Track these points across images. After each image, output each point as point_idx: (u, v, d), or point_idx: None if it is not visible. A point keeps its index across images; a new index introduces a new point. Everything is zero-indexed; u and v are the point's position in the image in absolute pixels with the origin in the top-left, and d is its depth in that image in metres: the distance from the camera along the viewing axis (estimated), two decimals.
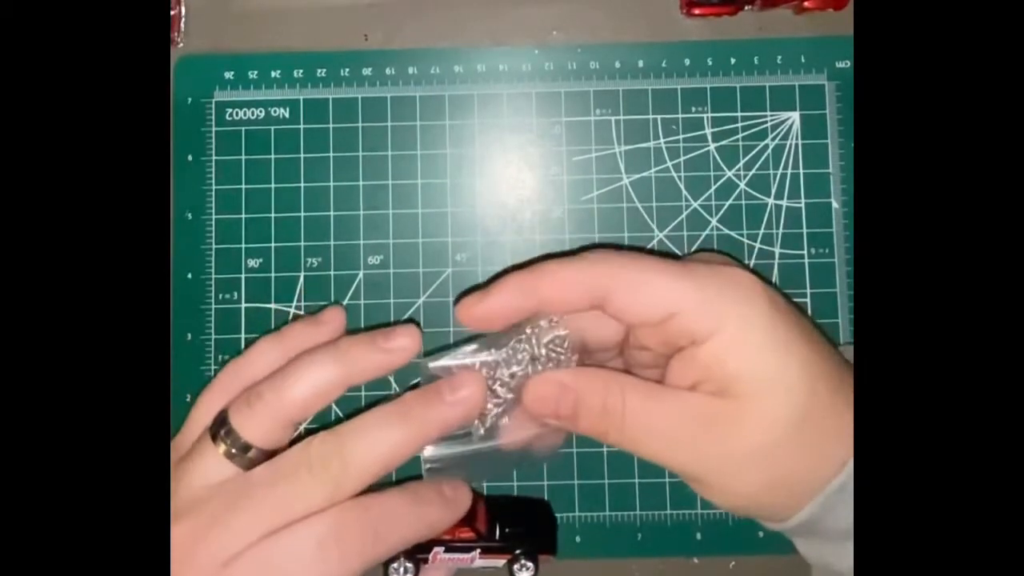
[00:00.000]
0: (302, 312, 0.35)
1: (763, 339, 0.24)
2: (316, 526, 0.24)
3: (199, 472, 0.25)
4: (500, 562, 0.29)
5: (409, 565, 0.27)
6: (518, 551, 0.29)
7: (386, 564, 0.27)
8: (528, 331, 0.26)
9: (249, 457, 0.25)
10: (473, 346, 0.26)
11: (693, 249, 0.36)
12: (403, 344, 0.26)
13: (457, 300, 0.26)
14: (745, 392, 0.24)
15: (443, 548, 0.28)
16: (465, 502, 0.26)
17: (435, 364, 0.25)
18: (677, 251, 0.36)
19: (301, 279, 0.36)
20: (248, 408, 0.26)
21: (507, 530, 0.29)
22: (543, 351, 0.26)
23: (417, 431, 0.25)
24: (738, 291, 0.25)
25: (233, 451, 0.25)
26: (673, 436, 0.25)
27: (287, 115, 0.36)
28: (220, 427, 0.25)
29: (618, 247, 0.27)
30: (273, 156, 0.36)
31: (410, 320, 0.34)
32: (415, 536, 0.25)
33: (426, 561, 0.28)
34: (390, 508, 0.25)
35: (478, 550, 0.28)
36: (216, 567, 0.23)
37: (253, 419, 0.25)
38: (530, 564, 0.29)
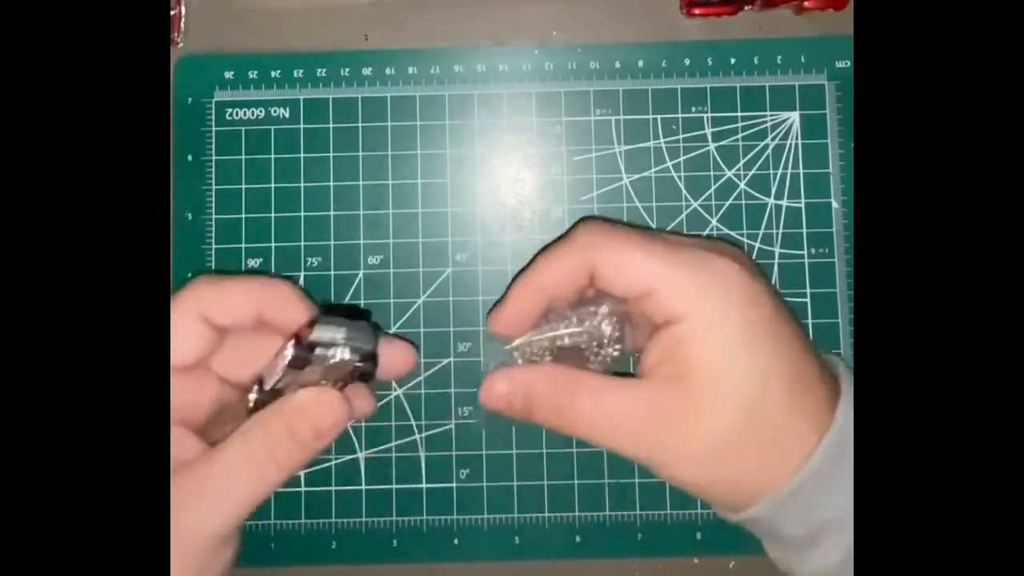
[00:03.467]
0: None
1: (726, 335, 0.25)
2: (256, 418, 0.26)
3: None
4: None
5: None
6: None
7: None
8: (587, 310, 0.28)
9: None
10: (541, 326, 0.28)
11: None
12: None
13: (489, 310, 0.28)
14: (697, 383, 0.25)
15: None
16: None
17: (513, 345, 0.28)
18: None
19: (301, 279, 0.36)
20: None
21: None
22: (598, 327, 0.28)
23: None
24: (717, 282, 0.25)
25: None
26: (624, 427, 0.26)
27: (287, 115, 0.36)
28: None
29: (612, 221, 0.28)
30: (273, 156, 0.36)
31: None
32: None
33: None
34: (316, 410, 0.26)
35: None
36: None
37: None
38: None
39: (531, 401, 0.27)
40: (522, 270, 0.28)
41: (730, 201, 0.36)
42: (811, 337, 0.35)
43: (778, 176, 0.36)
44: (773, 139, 0.36)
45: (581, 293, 0.28)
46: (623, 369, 0.28)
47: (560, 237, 0.28)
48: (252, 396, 0.27)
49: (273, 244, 0.36)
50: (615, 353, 0.28)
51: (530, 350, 0.28)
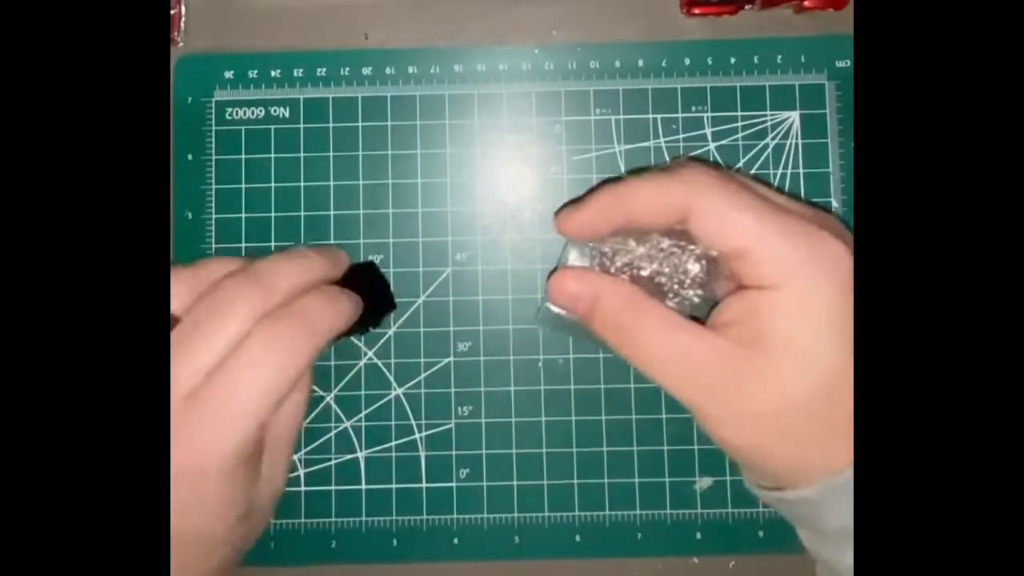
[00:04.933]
0: None
1: (817, 311, 0.24)
2: (258, 334, 0.26)
3: None
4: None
5: None
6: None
7: None
8: (674, 246, 0.27)
9: None
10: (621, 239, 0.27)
11: None
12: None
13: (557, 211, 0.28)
14: (776, 350, 0.24)
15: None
16: (357, 299, 0.30)
17: (594, 245, 0.27)
18: None
19: None
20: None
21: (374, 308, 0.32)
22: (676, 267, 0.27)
23: (319, 272, 0.29)
24: (818, 258, 0.24)
25: None
26: (686, 367, 0.25)
27: (287, 114, 0.36)
28: None
29: (720, 167, 0.28)
30: (273, 155, 0.36)
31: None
32: (339, 327, 0.28)
33: None
34: (315, 307, 0.27)
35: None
36: (180, 401, 0.25)
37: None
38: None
39: (597, 309, 0.26)
40: (609, 180, 0.28)
41: None
42: None
43: (778, 176, 0.36)
44: (773, 139, 0.36)
45: (668, 228, 0.27)
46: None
47: (660, 167, 0.27)
48: None
49: (273, 244, 0.36)
50: (695, 298, 0.27)
51: (609, 261, 0.27)
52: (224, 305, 0.27)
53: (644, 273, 0.27)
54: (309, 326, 0.27)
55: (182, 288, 0.28)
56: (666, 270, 0.27)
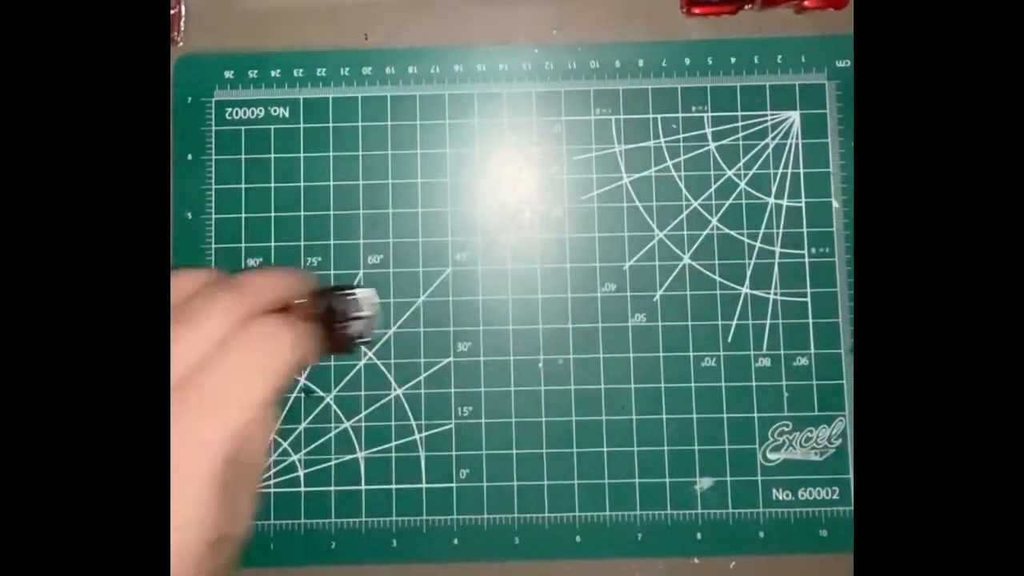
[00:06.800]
0: None
1: None
2: (246, 331, 0.25)
3: None
4: None
5: None
6: None
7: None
8: None
9: None
10: None
11: (692, 249, 0.36)
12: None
13: None
14: None
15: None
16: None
17: None
18: (678, 251, 0.36)
19: None
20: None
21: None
22: None
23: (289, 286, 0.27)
24: None
25: None
26: None
27: (287, 114, 0.36)
28: None
29: None
30: (273, 155, 0.36)
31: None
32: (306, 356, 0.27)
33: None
34: (286, 323, 0.26)
35: None
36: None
37: None
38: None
39: None
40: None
41: (730, 201, 0.36)
42: (811, 337, 0.35)
43: (778, 175, 0.36)
44: (773, 138, 0.36)
45: None
46: None
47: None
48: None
49: (273, 244, 0.36)
50: None
51: None
52: (203, 306, 0.26)
53: None
54: (290, 335, 0.26)
55: None
56: None
